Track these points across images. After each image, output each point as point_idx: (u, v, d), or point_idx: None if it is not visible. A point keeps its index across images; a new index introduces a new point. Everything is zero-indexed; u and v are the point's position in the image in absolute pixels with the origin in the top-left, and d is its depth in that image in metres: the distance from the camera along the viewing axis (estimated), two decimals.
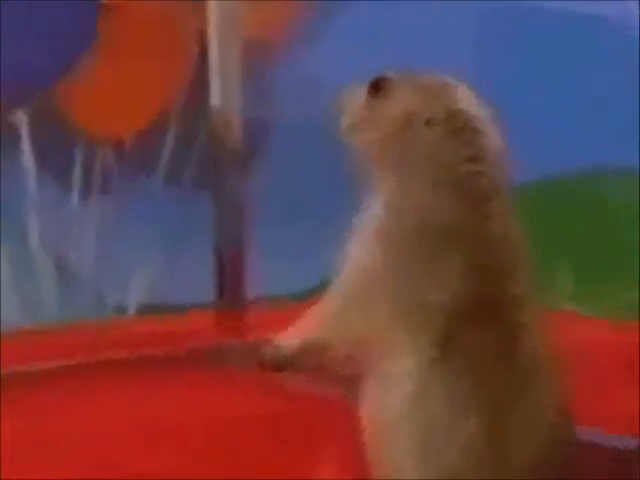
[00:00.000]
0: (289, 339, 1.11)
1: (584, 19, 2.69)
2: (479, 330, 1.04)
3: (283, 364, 1.11)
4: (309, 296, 1.15)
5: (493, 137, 1.08)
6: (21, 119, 2.54)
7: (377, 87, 1.11)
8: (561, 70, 2.64)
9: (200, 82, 2.09)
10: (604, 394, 1.51)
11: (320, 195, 2.48)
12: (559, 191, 2.72)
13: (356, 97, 1.12)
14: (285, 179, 2.57)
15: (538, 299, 1.09)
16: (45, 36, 2.54)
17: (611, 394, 1.52)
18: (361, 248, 1.08)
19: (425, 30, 2.62)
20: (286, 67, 2.70)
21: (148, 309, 2.56)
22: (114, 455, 1.41)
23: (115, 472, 1.35)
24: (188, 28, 2.60)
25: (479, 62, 2.57)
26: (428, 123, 1.07)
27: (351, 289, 1.08)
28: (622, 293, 2.49)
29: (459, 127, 1.07)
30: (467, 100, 1.09)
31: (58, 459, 1.40)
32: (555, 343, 1.08)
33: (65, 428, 1.52)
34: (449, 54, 2.47)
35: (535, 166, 2.50)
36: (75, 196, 2.61)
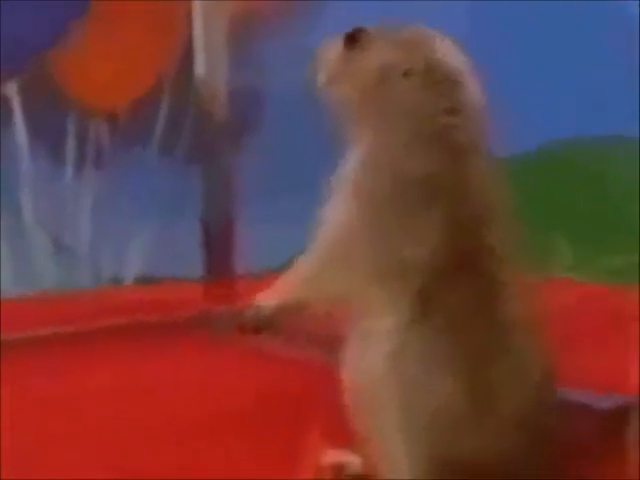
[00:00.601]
0: (268, 300, 1.10)
1: None
2: (458, 288, 1.02)
3: (263, 325, 1.10)
4: None
5: (473, 90, 1.06)
6: (12, 91, 2.53)
7: (353, 39, 1.09)
8: (560, 42, 2.62)
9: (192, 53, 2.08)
10: (600, 354, 1.50)
11: (316, 168, 2.47)
12: (556, 161, 2.70)
13: (333, 50, 1.11)
14: (280, 151, 2.55)
15: (526, 264, 1.08)
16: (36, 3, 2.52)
17: (607, 354, 1.52)
18: (338, 204, 1.07)
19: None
20: (281, 39, 2.68)
21: (142, 280, 2.55)
22: (106, 415, 1.42)
23: (108, 430, 1.36)
24: None
25: (475, 35, 2.54)
26: (406, 74, 1.05)
27: (328, 247, 1.07)
28: (618, 258, 2.47)
29: (438, 79, 1.05)
30: (447, 52, 1.07)
31: (54, 421, 1.41)
32: (540, 306, 1.08)
33: (63, 390, 1.53)
34: (445, 23, 2.44)
35: (533, 136, 2.49)
36: (69, 169, 2.60)
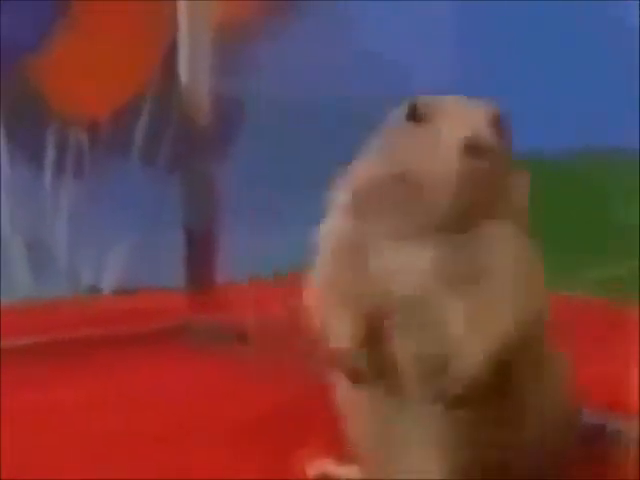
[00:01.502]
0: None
1: None
2: None
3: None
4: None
5: None
6: None
7: None
8: (559, 53, 2.62)
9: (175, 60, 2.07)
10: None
11: (300, 176, 2.46)
12: (554, 171, 2.70)
13: None
14: (264, 159, 2.54)
15: None
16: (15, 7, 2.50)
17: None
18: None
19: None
20: (264, 46, 2.68)
21: (122, 289, 2.54)
22: (85, 426, 1.41)
23: (88, 441, 1.34)
24: (164, 5, 2.57)
25: (473, 45, 2.55)
26: None
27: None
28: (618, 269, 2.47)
29: None
30: None
31: (31, 432, 1.39)
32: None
33: (42, 401, 1.51)
34: (443, 33, 2.44)
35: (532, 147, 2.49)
36: (48, 177, 2.59)
